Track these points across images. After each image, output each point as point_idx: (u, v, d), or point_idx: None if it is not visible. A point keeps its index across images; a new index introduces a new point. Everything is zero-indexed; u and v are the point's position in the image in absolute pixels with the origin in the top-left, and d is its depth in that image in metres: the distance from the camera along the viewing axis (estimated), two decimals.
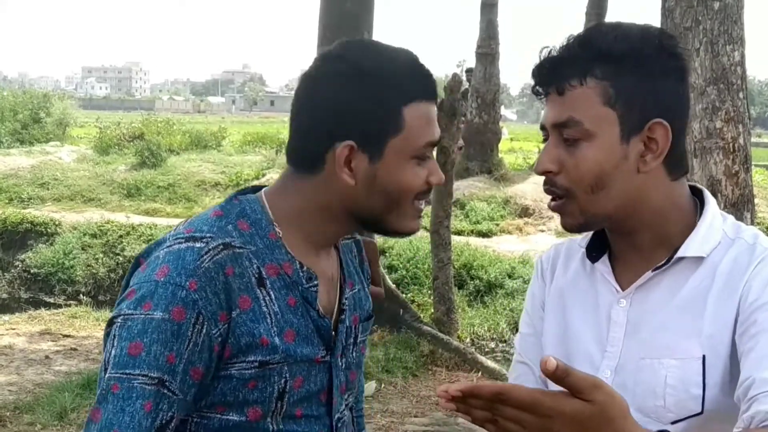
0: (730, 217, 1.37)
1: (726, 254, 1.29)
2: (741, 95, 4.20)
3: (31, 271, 13.05)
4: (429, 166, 1.33)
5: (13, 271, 13.45)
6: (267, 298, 1.25)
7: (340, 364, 1.37)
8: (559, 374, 0.92)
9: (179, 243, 1.22)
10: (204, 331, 1.18)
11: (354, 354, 1.43)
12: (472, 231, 13.33)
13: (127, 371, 1.14)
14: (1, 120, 21.13)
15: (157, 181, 16.25)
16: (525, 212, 14.52)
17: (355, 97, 1.26)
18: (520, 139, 35.12)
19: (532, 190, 15.23)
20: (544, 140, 1.34)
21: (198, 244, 1.21)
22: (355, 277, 1.48)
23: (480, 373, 7.07)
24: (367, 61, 1.27)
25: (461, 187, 14.32)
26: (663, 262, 1.32)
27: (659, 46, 1.28)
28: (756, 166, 13.19)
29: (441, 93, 7.80)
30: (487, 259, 10.99)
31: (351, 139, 1.26)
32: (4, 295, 13.06)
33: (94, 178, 16.86)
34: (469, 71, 17.07)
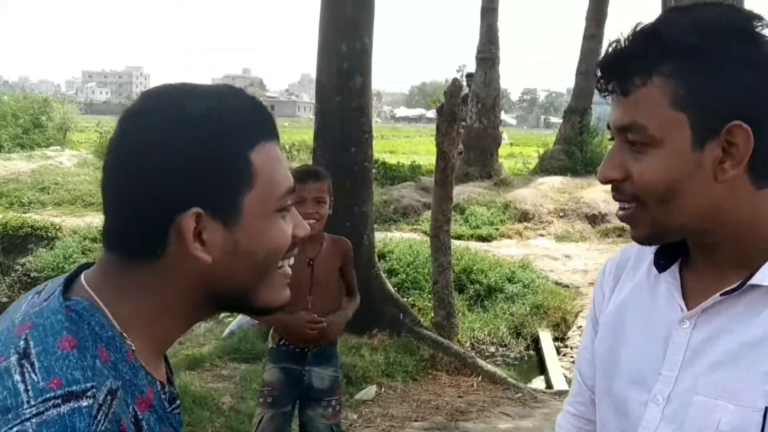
0: None
1: None
2: None
3: (32, 275, 13.04)
4: (292, 217, 1.09)
5: (13, 275, 13.46)
6: None
7: None
8: None
9: (55, 407, 0.87)
10: None
11: None
12: (471, 235, 13.34)
13: None
14: (3, 125, 21.14)
15: None
16: (524, 217, 14.52)
17: (191, 151, 0.99)
18: (520, 144, 35.20)
19: (531, 195, 15.23)
20: (611, 140, 1.23)
21: (84, 403, 0.89)
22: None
23: (480, 377, 7.07)
24: (192, 106, 1.01)
25: (461, 192, 14.33)
26: (734, 287, 1.16)
27: (743, 32, 1.12)
28: None
29: (441, 98, 7.82)
30: (486, 263, 10.99)
31: (196, 205, 0.99)
32: (5, 299, 13.05)
33: (95, 182, 16.85)
34: (469, 76, 17.10)
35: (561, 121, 21.01)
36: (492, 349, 9.65)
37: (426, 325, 7.79)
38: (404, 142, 37.33)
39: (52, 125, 21.99)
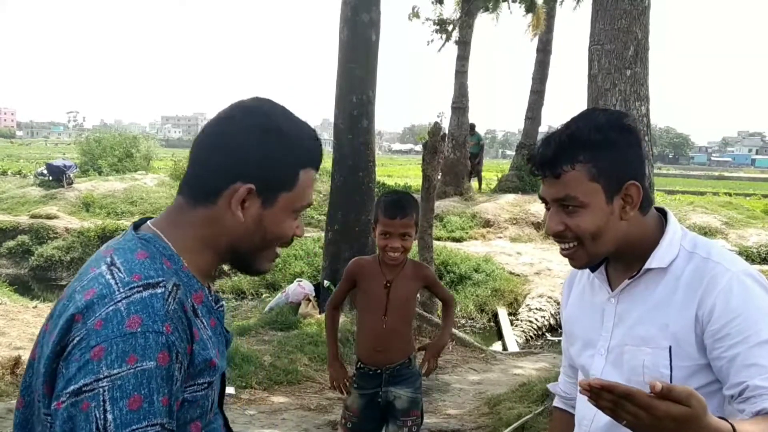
0: (690, 233, 1.37)
1: (686, 266, 1.30)
2: (646, 138, 4.20)
3: None
4: (298, 221, 1.16)
5: None
6: (202, 325, 1.04)
7: None
8: (664, 392, 0.98)
9: (138, 292, 0.96)
10: (182, 367, 0.98)
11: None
12: (448, 237, 13.34)
13: (134, 427, 0.90)
14: (104, 155, 21.16)
15: None
16: (487, 224, 14.52)
17: (268, 149, 1.07)
18: (484, 170, 35.13)
19: (492, 207, 15.23)
20: (546, 207, 1.35)
21: (159, 290, 0.98)
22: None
23: (454, 342, 7.05)
24: (283, 121, 1.10)
25: (440, 206, 14.33)
26: (635, 273, 1.34)
27: (621, 128, 1.29)
28: (657, 190, 13.25)
29: (426, 136, 7.82)
30: (459, 258, 11.00)
31: (253, 183, 1.06)
32: None
33: (170, 198, 16.81)
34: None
35: (514, 153, 21.01)
36: (463, 321, 9.64)
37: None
38: (398, 169, 37.31)
39: (139, 156, 21.97)
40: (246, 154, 1.06)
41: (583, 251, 1.32)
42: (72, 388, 0.91)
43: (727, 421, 1.07)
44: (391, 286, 2.80)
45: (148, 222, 1.11)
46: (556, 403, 1.70)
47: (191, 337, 1.00)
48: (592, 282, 1.46)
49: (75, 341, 0.93)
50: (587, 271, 1.47)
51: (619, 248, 1.33)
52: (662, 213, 1.39)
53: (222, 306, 1.14)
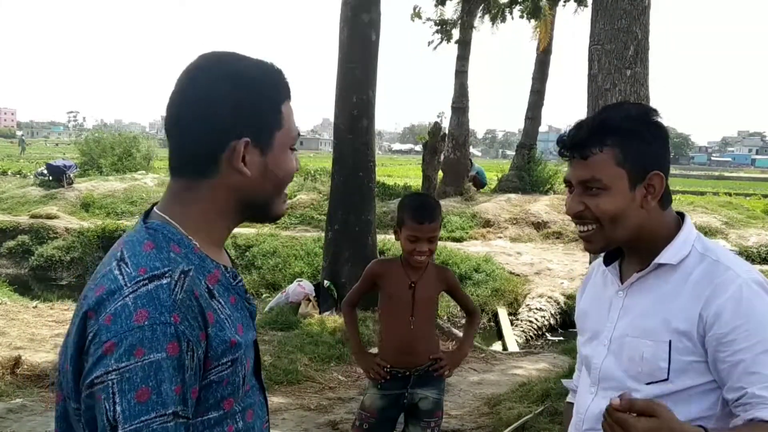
0: (703, 237, 1.40)
1: (697, 267, 1.33)
2: None
3: None
4: (295, 155, 1.17)
5: None
6: (219, 305, 1.05)
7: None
8: (625, 406, 1.04)
9: (144, 285, 0.97)
10: (195, 355, 0.98)
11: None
12: (448, 237, 13.32)
13: (143, 418, 0.92)
14: (104, 155, 21.15)
15: None
16: (487, 224, 14.52)
17: (245, 97, 1.06)
18: (484, 170, 35.17)
19: (492, 207, 15.23)
20: (570, 190, 1.39)
21: (164, 281, 0.98)
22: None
23: (454, 342, 7.04)
24: (243, 67, 1.08)
25: (440, 205, 14.30)
26: (644, 268, 1.38)
27: (649, 121, 1.34)
28: None
29: (426, 136, 7.82)
30: (459, 257, 10.99)
31: (246, 136, 1.06)
32: None
33: None
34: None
35: (514, 153, 21.00)
36: (463, 321, 9.61)
37: None
38: (398, 169, 37.34)
39: (140, 155, 21.97)
40: (226, 110, 1.05)
41: (600, 234, 1.36)
42: (87, 381, 0.95)
43: (703, 428, 1.12)
44: (415, 287, 2.81)
45: (155, 208, 1.12)
46: (570, 398, 1.74)
47: (204, 322, 1.00)
48: (605, 277, 1.50)
49: (90, 337, 0.96)
50: (602, 268, 1.51)
51: (636, 238, 1.36)
52: (681, 216, 1.42)
53: (240, 281, 1.14)
